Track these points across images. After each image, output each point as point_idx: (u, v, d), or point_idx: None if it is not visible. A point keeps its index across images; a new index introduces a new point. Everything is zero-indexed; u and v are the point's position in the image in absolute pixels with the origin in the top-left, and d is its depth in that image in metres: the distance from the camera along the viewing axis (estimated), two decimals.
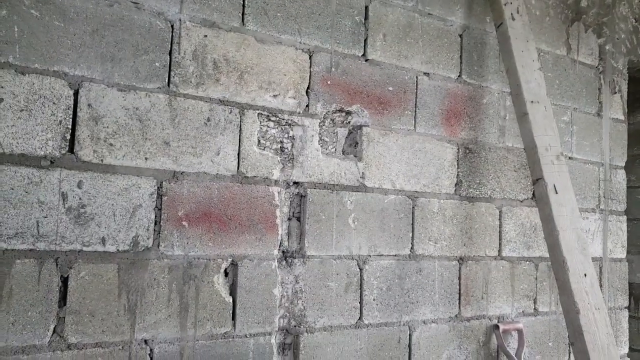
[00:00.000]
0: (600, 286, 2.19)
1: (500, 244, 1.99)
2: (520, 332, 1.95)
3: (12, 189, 1.23)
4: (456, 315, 1.86)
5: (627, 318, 2.38)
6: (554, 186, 1.68)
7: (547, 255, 2.05)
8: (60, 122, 1.30)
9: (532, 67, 1.81)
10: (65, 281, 1.28)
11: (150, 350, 1.36)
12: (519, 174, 2.05)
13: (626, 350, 2.37)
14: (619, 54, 2.41)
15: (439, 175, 1.87)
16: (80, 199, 1.30)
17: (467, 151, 1.94)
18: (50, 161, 1.28)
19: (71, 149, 1.31)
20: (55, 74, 1.30)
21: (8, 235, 1.22)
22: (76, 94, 1.32)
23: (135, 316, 1.35)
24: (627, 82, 2.45)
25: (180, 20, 1.46)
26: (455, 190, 1.90)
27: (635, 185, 3.36)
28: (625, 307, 2.38)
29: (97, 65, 1.35)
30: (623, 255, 2.38)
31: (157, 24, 1.43)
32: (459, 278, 1.87)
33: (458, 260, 1.88)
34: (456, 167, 1.91)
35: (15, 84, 1.25)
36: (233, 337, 1.47)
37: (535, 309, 2.06)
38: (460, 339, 1.86)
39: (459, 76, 1.95)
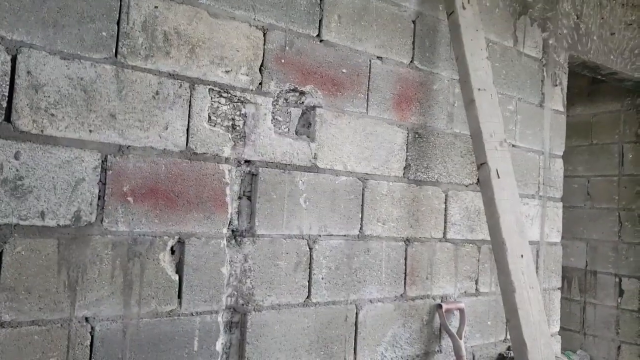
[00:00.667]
0: (537, 268, 2.31)
1: (445, 226, 2.06)
2: (462, 311, 2.04)
3: None
4: (402, 295, 1.91)
5: (559, 298, 2.53)
6: (497, 171, 1.75)
7: (489, 238, 2.14)
8: None
9: (481, 56, 1.87)
10: None
11: (92, 327, 1.32)
12: (465, 160, 2.13)
13: (557, 328, 2.53)
14: (561, 48, 2.53)
15: (389, 158, 1.91)
16: (17, 170, 1.24)
17: (417, 136, 1.98)
18: None
19: (7, 118, 1.24)
20: None
21: None
22: (14, 59, 1.25)
23: (76, 293, 1.30)
24: (567, 75, 2.58)
25: None
26: (404, 174, 1.94)
27: (571, 174, 3.56)
28: (558, 288, 2.53)
29: (37, 31, 1.28)
30: (558, 239, 2.52)
31: None
32: (405, 258, 1.93)
33: (405, 241, 1.93)
34: (405, 151, 1.95)
35: None
36: (179, 315, 1.45)
37: (476, 289, 2.15)
38: (405, 317, 1.91)
39: (411, 62, 1.98)
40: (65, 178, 1.30)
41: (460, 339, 1.97)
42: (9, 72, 1.25)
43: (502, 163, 1.78)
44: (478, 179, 2.12)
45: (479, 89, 1.81)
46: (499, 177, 1.75)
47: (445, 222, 2.06)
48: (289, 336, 1.64)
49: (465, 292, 2.11)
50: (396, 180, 1.92)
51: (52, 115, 1.29)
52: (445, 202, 2.06)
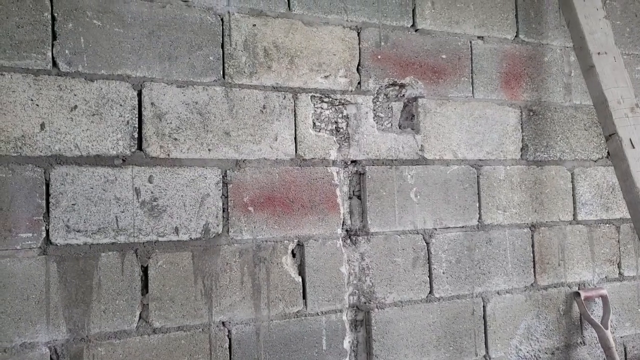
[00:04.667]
0: None
1: (574, 207, 1.89)
2: (604, 298, 1.85)
3: (92, 188, 1.33)
4: (532, 284, 1.79)
5: None
6: (630, 140, 1.56)
7: (629, 216, 1.92)
8: (128, 122, 1.38)
9: (597, 17, 1.69)
10: (145, 270, 1.37)
11: (228, 331, 1.42)
12: (590, 133, 1.93)
13: None
14: None
15: (503, 141, 1.80)
16: (152, 192, 1.38)
17: (531, 113, 1.85)
18: (122, 159, 1.36)
19: (139, 147, 1.39)
20: (120, 78, 1.38)
21: (92, 231, 1.32)
22: (139, 94, 1.40)
23: (212, 300, 1.42)
24: None
25: (228, 12, 1.50)
26: (521, 155, 1.82)
27: None
28: None
29: (156, 65, 1.42)
30: None
31: (207, 19, 1.47)
32: (532, 246, 1.80)
33: (530, 228, 1.81)
34: (520, 131, 1.83)
35: (85, 90, 1.34)
36: (305, 316, 1.51)
37: (620, 273, 1.94)
38: (538, 308, 1.79)
39: (515, 36, 1.86)
40: (192, 195, 1.42)
41: (607, 329, 1.79)
42: (137, 106, 1.40)
43: (636, 131, 1.59)
44: (608, 152, 1.92)
45: (598, 53, 1.64)
46: (633, 147, 1.56)
47: (574, 203, 1.89)
48: (415, 332, 1.62)
49: (606, 277, 1.91)
50: (513, 164, 1.81)
51: (175, 139, 1.42)
52: (572, 181, 1.89)
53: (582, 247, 1.88)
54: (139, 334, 1.34)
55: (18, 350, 1.23)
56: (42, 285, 1.26)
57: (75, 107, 1.33)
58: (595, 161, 1.94)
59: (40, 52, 1.30)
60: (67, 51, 1.33)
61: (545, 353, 1.79)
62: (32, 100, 1.29)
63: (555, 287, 1.83)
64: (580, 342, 1.85)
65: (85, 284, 1.30)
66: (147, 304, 1.36)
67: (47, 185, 1.29)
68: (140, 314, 1.35)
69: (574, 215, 1.88)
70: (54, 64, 1.32)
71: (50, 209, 1.29)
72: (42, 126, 1.30)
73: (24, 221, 1.26)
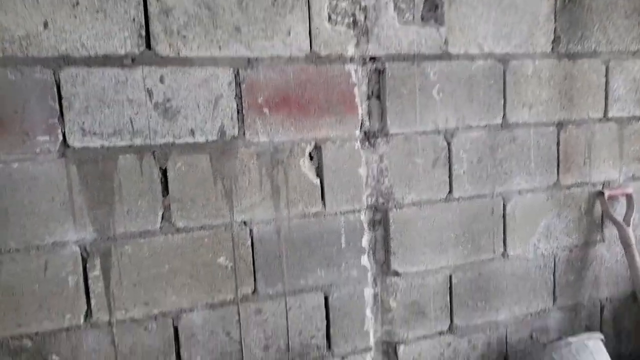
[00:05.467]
0: None
1: (606, 103, 1.79)
2: (629, 196, 1.82)
3: (103, 89, 1.30)
4: (554, 184, 1.76)
5: None
6: None
7: None
8: (134, 19, 1.31)
9: None
10: (164, 173, 1.37)
11: (250, 230, 1.46)
12: (631, 21, 1.78)
13: None
14: None
15: (533, 32, 1.67)
16: (164, 93, 1.35)
17: (567, 1, 1.69)
18: (132, 59, 1.32)
19: (148, 45, 1.33)
20: None
21: (108, 134, 1.31)
22: None
23: (232, 201, 1.43)
24: None
25: None
26: (552, 48, 1.70)
27: None
28: None
29: None
30: None
31: None
32: (558, 144, 1.74)
33: (556, 126, 1.74)
34: (553, 21, 1.69)
35: None
36: (324, 216, 1.52)
37: None
38: (559, 207, 1.77)
39: None
40: (205, 96, 1.38)
41: (628, 226, 1.77)
42: (142, 1, 1.32)
43: None
44: None
45: None
46: None
47: (606, 99, 1.79)
48: (433, 231, 1.63)
49: (632, 175, 1.86)
50: (543, 57, 1.69)
51: (184, 37, 1.35)
52: (606, 75, 1.78)
53: (610, 145, 1.82)
54: (163, 234, 1.38)
55: (50, 248, 1.28)
56: (64, 188, 1.28)
57: (78, 3, 1.26)
58: (633, 53, 1.81)
59: None
60: None
61: (564, 250, 1.80)
62: None
63: (578, 186, 1.79)
64: (600, 240, 1.85)
65: (107, 186, 1.32)
66: (169, 205, 1.38)
67: (58, 88, 1.27)
68: (162, 215, 1.38)
69: (604, 111, 1.79)
70: None
71: (64, 111, 1.27)
72: (45, 25, 1.24)
73: (40, 124, 1.26)
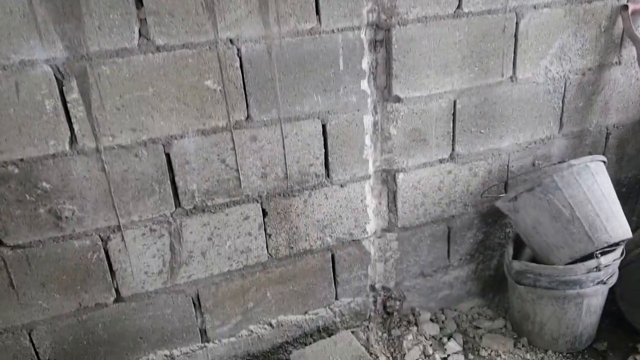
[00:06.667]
0: None
1: None
2: None
3: None
4: None
5: None
6: None
7: None
8: None
9: None
10: None
11: (238, 49, 1.32)
12: None
13: None
14: None
15: None
16: None
17: None
18: None
19: None
20: None
21: None
22: None
23: (215, 15, 1.27)
24: None
25: None
26: None
27: None
28: None
29: None
30: None
31: None
32: None
33: None
34: None
35: None
36: (320, 33, 1.38)
37: None
38: (577, 24, 1.62)
39: None
40: None
41: None
42: None
43: None
44: None
45: None
46: None
47: None
48: (439, 51, 1.50)
49: None
50: None
51: None
52: None
53: None
54: (142, 52, 1.25)
55: (18, 67, 1.16)
56: None
57: None
58: None
59: None
60: None
61: (576, 74, 1.69)
62: None
63: None
64: (616, 62, 1.73)
65: None
66: (145, 19, 1.23)
67: None
68: (139, 30, 1.23)
69: None
70: None
71: None
72: None
73: None
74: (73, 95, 1.22)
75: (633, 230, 1.62)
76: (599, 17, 1.64)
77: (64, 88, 1.21)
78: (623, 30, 1.67)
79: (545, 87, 1.67)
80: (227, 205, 1.45)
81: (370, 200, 1.61)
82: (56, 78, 1.20)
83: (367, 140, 1.54)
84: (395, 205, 1.64)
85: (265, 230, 1.52)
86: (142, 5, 1.21)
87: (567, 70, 1.67)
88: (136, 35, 1.23)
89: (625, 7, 1.62)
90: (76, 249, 1.34)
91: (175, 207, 1.40)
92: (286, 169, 1.48)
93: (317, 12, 1.36)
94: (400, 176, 1.61)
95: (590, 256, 1.52)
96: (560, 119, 1.74)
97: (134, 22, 1.22)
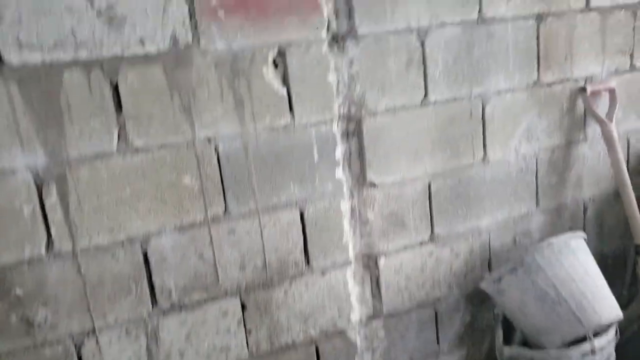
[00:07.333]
0: None
1: None
2: (612, 92, 1.75)
3: None
4: (535, 82, 1.68)
5: None
6: None
7: None
8: None
9: None
10: (116, 88, 1.26)
11: (215, 147, 1.37)
12: None
13: None
14: None
15: None
16: (106, 0, 1.22)
17: None
18: None
19: None
20: None
21: (49, 47, 1.19)
22: None
23: (192, 116, 1.34)
24: None
25: None
26: None
27: None
28: None
29: None
30: None
31: None
32: (537, 39, 1.65)
33: (535, 19, 1.63)
34: None
35: None
36: (294, 128, 1.44)
37: (631, 64, 1.81)
38: (540, 106, 1.70)
39: None
40: (152, 1, 1.25)
41: (611, 121, 1.72)
42: None
43: None
44: None
45: None
46: None
47: None
48: (409, 139, 1.56)
49: (615, 70, 1.79)
50: None
51: None
52: None
53: (592, 38, 1.72)
54: (120, 154, 1.29)
55: None
56: (7, 109, 1.17)
57: None
58: None
59: None
60: None
61: (545, 151, 1.75)
62: None
63: (560, 83, 1.71)
64: (582, 139, 1.80)
65: (54, 106, 1.21)
66: (124, 123, 1.28)
67: None
68: (118, 134, 1.28)
69: (586, 1, 1.69)
70: None
71: None
72: None
73: None
74: (52, 200, 1.24)
75: (624, 306, 1.60)
76: (560, 98, 1.73)
77: (42, 192, 1.24)
78: (584, 109, 1.75)
79: (517, 165, 1.72)
80: (205, 301, 1.43)
81: (353, 287, 1.60)
82: (35, 183, 1.23)
83: (346, 226, 1.56)
84: (379, 291, 1.63)
85: (245, 325, 1.48)
86: (121, 110, 1.28)
87: (537, 149, 1.73)
88: (115, 138, 1.28)
89: (584, 89, 1.71)
90: (48, 358, 1.30)
91: (152, 306, 1.38)
92: (265, 258, 1.48)
93: (291, 109, 1.43)
94: (382, 260, 1.61)
95: (584, 338, 1.49)
96: (536, 195, 1.78)
97: (113, 126, 1.27)
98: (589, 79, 1.75)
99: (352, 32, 1.45)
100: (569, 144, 1.78)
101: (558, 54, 1.69)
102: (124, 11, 1.24)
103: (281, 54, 1.40)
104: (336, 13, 1.43)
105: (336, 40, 1.45)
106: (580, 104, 1.75)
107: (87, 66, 1.23)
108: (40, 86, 1.20)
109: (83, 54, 1.22)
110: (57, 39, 1.19)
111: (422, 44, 1.52)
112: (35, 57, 1.18)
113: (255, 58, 1.37)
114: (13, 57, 1.16)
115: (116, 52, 1.25)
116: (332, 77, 1.46)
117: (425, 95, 1.56)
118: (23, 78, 1.18)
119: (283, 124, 1.43)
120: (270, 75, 1.40)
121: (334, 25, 1.44)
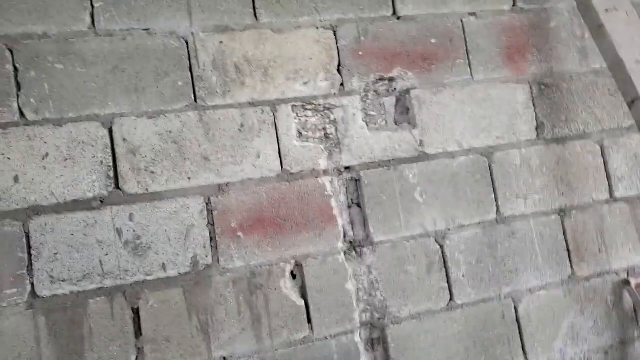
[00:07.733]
0: None
1: (610, 184, 1.67)
2: None
3: (72, 234, 1.29)
4: (569, 277, 1.59)
5: None
6: None
7: None
8: (102, 162, 1.34)
9: None
10: (136, 312, 1.31)
11: None
12: (617, 98, 1.71)
13: None
14: None
15: (514, 122, 1.62)
16: (134, 231, 1.33)
17: (543, 87, 1.66)
18: (100, 201, 1.32)
19: (117, 185, 1.34)
20: (88, 118, 1.34)
21: (77, 278, 1.28)
22: (110, 131, 1.36)
23: (210, 335, 1.34)
24: None
25: (192, 34, 1.44)
26: (537, 135, 1.64)
27: None
28: None
29: (123, 99, 1.37)
30: None
31: (171, 44, 1.42)
32: (564, 233, 1.60)
33: (558, 214, 1.61)
34: (532, 108, 1.64)
35: (55, 136, 1.32)
36: (313, 341, 1.40)
37: None
38: (581, 303, 1.58)
39: (513, 5, 1.68)
40: (176, 228, 1.36)
41: None
42: (109, 144, 1.35)
43: None
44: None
45: (606, 10, 1.44)
46: None
47: (608, 179, 1.67)
48: (438, 345, 1.47)
49: None
50: (529, 145, 1.62)
51: (152, 172, 1.37)
52: (603, 155, 1.68)
53: (625, 228, 1.66)
54: None
55: None
56: (32, 341, 1.23)
57: (47, 154, 1.30)
58: (627, 129, 1.71)
59: (7, 105, 1.29)
60: (32, 100, 1.31)
61: (597, 353, 1.58)
62: (2, 154, 1.27)
63: (598, 276, 1.61)
64: (638, 336, 1.62)
65: (76, 334, 1.26)
66: (142, 347, 1.30)
67: (28, 238, 1.27)
68: (136, 358, 1.29)
69: (610, 192, 1.66)
70: (22, 114, 1.30)
71: (33, 261, 1.26)
72: (16, 179, 1.28)
73: (8, 277, 1.24)
74: None
75: None
76: (602, 293, 1.61)
77: None
78: (633, 303, 1.61)
79: None
80: None
81: None
82: None
83: None
84: None
85: None
86: (141, 334, 1.30)
87: (587, 350, 1.57)
88: None
89: (627, 281, 1.60)
90: None
91: None
92: None
93: (309, 321, 1.41)
94: None
95: None
96: None
97: (132, 351, 1.29)
98: (631, 270, 1.64)
99: (368, 240, 1.48)
100: (623, 343, 1.60)
101: (590, 246, 1.62)
102: (149, 240, 1.34)
103: (298, 265, 1.43)
104: (352, 223, 1.48)
105: (353, 248, 1.47)
106: (627, 298, 1.62)
107: (110, 293, 1.30)
108: (66, 315, 1.26)
109: (108, 282, 1.30)
110: (86, 270, 1.29)
111: (442, 247, 1.51)
112: (64, 289, 1.27)
113: (273, 272, 1.40)
114: (45, 291, 1.25)
115: (139, 278, 1.32)
116: (350, 285, 1.45)
117: (451, 298, 1.50)
118: (51, 309, 1.25)
119: (301, 337, 1.39)
120: (288, 287, 1.41)
121: (350, 234, 1.48)
